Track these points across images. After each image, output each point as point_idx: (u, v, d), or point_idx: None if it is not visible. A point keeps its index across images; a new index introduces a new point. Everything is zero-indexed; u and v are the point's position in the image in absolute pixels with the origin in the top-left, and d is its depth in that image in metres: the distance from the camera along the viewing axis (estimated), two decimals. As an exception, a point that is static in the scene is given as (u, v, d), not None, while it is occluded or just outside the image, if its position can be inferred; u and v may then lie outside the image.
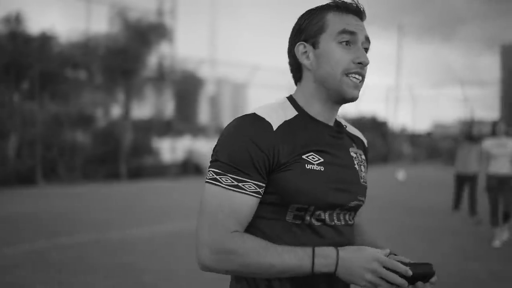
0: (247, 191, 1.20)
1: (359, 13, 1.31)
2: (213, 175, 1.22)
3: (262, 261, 1.16)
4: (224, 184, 1.20)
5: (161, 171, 18.02)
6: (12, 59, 15.11)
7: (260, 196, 1.22)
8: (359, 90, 1.31)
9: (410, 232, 7.61)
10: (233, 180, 1.20)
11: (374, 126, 27.92)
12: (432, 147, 31.61)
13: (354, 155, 1.41)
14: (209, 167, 1.25)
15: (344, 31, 1.26)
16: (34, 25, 18.86)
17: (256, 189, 1.21)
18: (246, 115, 1.26)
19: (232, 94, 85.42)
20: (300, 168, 1.22)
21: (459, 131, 8.13)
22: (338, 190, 1.28)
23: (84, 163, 16.38)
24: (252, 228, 1.25)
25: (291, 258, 1.16)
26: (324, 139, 1.30)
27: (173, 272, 5.17)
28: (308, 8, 1.34)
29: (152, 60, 19.32)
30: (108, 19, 18.04)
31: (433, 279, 1.19)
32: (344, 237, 1.31)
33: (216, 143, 1.27)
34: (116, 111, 19.45)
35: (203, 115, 61.53)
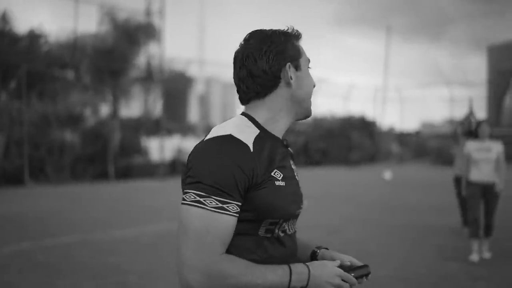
0: (230, 212, 1.25)
1: None
2: (195, 197, 1.24)
3: (249, 281, 1.24)
4: (209, 207, 1.23)
5: (150, 170, 18.05)
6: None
7: (238, 215, 1.28)
8: None
9: (393, 231, 7.74)
10: (217, 202, 1.23)
11: (362, 126, 28.11)
12: (420, 146, 31.85)
13: (294, 166, 1.50)
14: (188, 189, 1.26)
15: (309, 60, 1.46)
16: (22, 24, 18.77)
17: (237, 209, 1.26)
18: (223, 136, 1.30)
19: (222, 93, 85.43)
20: (271, 186, 1.31)
21: (454, 127, 7.01)
22: (294, 201, 1.40)
23: (72, 163, 16.38)
24: None
25: (272, 277, 1.26)
26: (280, 154, 1.39)
27: (158, 273, 5.25)
28: (273, 29, 1.43)
29: (140, 60, 19.35)
30: (96, 19, 18.04)
31: (369, 276, 1.49)
32: (295, 244, 1.46)
33: (192, 164, 1.29)
34: (104, 110, 19.45)
35: (193, 114, 61.54)
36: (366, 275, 1.46)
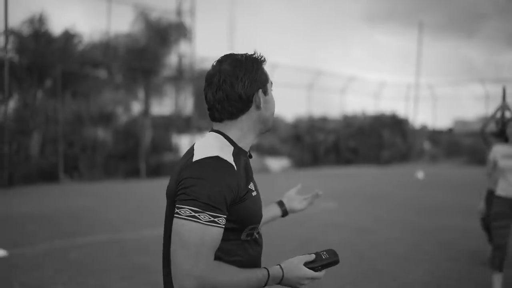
0: (220, 224, 1.43)
1: None
2: (190, 212, 1.41)
3: (236, 286, 1.45)
4: (203, 221, 1.40)
5: (180, 168, 18.16)
6: (35, 59, 15.46)
7: (224, 226, 1.47)
8: None
9: (424, 234, 7.61)
10: (210, 217, 1.41)
11: (393, 124, 27.67)
12: (453, 144, 31.17)
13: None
14: (184, 204, 1.42)
15: (271, 83, 1.66)
16: (57, 24, 19.20)
17: (224, 221, 1.45)
18: (211, 158, 1.47)
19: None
20: (250, 197, 1.54)
21: (482, 125, 4.83)
22: (261, 205, 1.66)
23: (105, 160, 16.68)
24: None
25: (254, 280, 1.48)
26: (250, 167, 1.62)
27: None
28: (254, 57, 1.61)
29: (171, 59, 19.54)
30: (129, 18, 18.30)
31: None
32: (262, 240, 1.71)
33: (187, 182, 1.44)
34: (136, 108, 19.73)
35: (223, 111, 61.69)
36: (335, 263, 1.63)
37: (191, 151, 1.54)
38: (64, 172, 15.46)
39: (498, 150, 4.68)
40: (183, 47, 19.50)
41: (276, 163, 22.68)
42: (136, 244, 6.68)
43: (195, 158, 1.48)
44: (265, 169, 21.38)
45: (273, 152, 24.12)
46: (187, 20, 19.16)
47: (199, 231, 1.39)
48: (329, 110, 26.26)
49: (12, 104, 15.49)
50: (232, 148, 1.55)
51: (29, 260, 5.77)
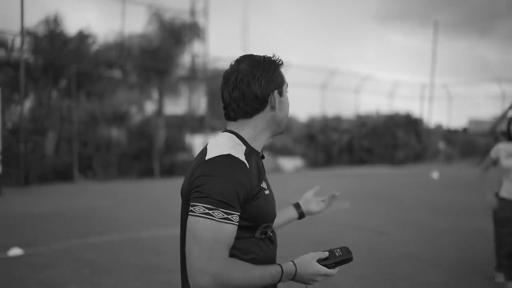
0: (234, 221, 1.45)
1: None
2: (204, 210, 1.42)
3: (250, 282, 1.46)
4: (217, 218, 1.42)
5: (194, 168, 18.19)
6: (50, 60, 15.59)
7: (238, 223, 1.48)
8: None
9: (440, 235, 7.52)
10: (223, 214, 1.43)
11: (408, 124, 27.44)
12: (468, 144, 30.82)
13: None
14: (198, 202, 1.44)
15: (287, 85, 1.68)
16: (71, 24, 19.33)
17: (238, 218, 1.47)
18: (224, 156, 1.49)
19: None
20: (263, 195, 1.55)
21: (493, 124, 4.24)
22: (275, 204, 1.67)
23: (119, 160, 16.77)
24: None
25: (267, 277, 1.50)
26: (262, 167, 1.63)
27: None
28: (271, 59, 1.64)
29: (185, 59, 19.58)
30: (143, 19, 18.38)
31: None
32: (276, 238, 1.72)
33: (199, 180, 1.46)
34: (150, 108, 19.81)
35: (236, 111, 61.73)
36: (349, 261, 1.64)
37: (204, 151, 1.57)
38: (78, 172, 15.58)
39: (501, 148, 4.34)
40: (196, 47, 19.55)
41: (290, 163, 22.62)
42: (150, 244, 6.69)
43: (207, 157, 1.51)
44: (278, 169, 21.33)
45: (287, 152, 24.07)
46: (200, 20, 19.21)
47: (213, 228, 1.41)
48: (343, 110, 26.11)
49: (27, 104, 15.63)
50: (244, 147, 1.57)
51: (45, 259, 5.80)
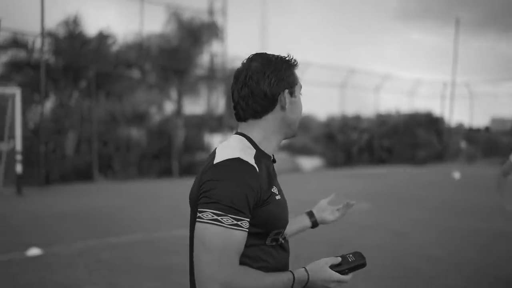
0: (243, 227, 1.39)
1: None
2: (213, 216, 1.37)
3: None
4: (226, 224, 1.36)
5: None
6: (70, 60, 15.74)
7: (248, 229, 1.42)
8: None
9: (461, 236, 7.36)
10: (233, 220, 1.37)
11: (428, 123, 27.06)
12: (490, 143, 30.27)
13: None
14: (206, 208, 1.38)
15: (301, 87, 1.62)
16: (91, 26, 19.51)
17: (248, 224, 1.41)
18: (233, 160, 1.43)
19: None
20: (274, 201, 1.49)
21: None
22: (287, 210, 1.61)
23: (138, 159, 16.87)
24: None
25: (279, 284, 1.45)
26: (273, 171, 1.57)
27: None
28: (287, 57, 1.59)
29: (203, 59, 19.61)
30: (161, 19, 18.46)
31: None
32: (289, 246, 1.66)
33: (208, 185, 1.41)
34: (169, 107, 19.90)
35: (255, 110, 61.72)
36: (362, 266, 1.57)
37: (213, 154, 1.51)
38: (98, 171, 15.70)
39: None
40: (215, 46, 19.56)
41: (309, 163, 22.51)
42: (169, 244, 6.67)
43: (215, 161, 1.45)
44: (297, 169, 21.23)
45: (305, 151, 23.96)
46: (219, 20, 19.22)
47: (222, 235, 1.36)
48: (363, 109, 25.87)
49: (48, 104, 15.82)
50: (254, 151, 1.52)
51: (63, 260, 5.82)
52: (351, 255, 1.57)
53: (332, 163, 22.90)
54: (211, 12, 19.00)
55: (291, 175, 18.00)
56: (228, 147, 1.51)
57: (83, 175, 15.42)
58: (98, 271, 5.40)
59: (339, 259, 1.54)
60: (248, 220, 1.41)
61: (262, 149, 1.55)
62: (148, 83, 18.85)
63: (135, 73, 18.67)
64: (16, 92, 12.15)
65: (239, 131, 1.59)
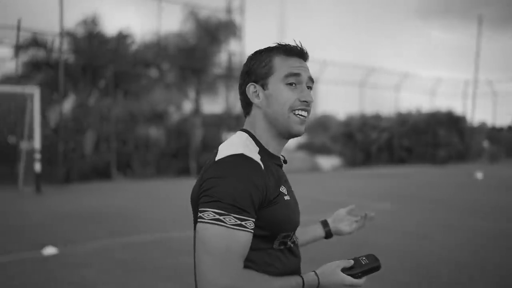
0: (248, 228, 1.29)
1: (302, 55, 1.45)
2: (214, 215, 1.27)
3: None
4: (228, 224, 1.26)
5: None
6: (89, 60, 15.83)
7: (253, 231, 1.33)
8: (305, 125, 1.45)
9: (486, 238, 7.14)
10: (236, 220, 1.27)
11: (450, 122, 26.61)
12: (514, 143, 29.66)
13: (287, 178, 1.55)
14: (207, 207, 1.28)
15: (290, 74, 1.41)
16: (109, 25, 19.62)
17: (253, 225, 1.30)
18: (236, 156, 1.33)
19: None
20: (282, 201, 1.38)
21: None
22: (298, 213, 1.50)
23: (157, 158, 16.91)
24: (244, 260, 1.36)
25: None
26: (280, 171, 1.47)
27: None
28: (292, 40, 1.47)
29: (221, 58, 19.55)
30: (179, 17, 18.45)
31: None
32: (299, 251, 1.54)
33: (209, 183, 1.31)
34: (187, 107, 19.90)
35: (274, 109, 61.66)
36: (376, 270, 1.47)
37: (215, 152, 1.41)
38: (117, 170, 15.76)
39: None
40: (233, 45, 19.48)
41: (327, 162, 22.32)
42: (183, 245, 6.60)
43: (217, 157, 1.36)
44: (315, 168, 21.06)
45: (324, 150, 23.77)
46: (236, 18, 19.12)
47: (225, 236, 1.26)
48: (382, 108, 25.56)
49: (67, 104, 15.93)
50: (256, 148, 1.42)
51: (78, 259, 5.79)
52: (364, 258, 1.46)
53: (351, 162, 22.66)
54: (229, 10, 18.92)
55: (309, 175, 17.85)
56: (231, 144, 1.41)
57: (102, 174, 15.51)
58: (113, 271, 5.35)
59: (352, 262, 1.43)
60: (253, 220, 1.30)
61: (265, 146, 1.45)
62: (165, 82, 18.88)
63: (153, 72, 18.71)
64: (34, 91, 12.24)
65: (244, 127, 1.52)
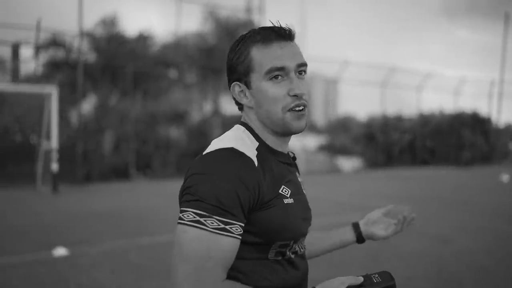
0: (233, 233, 1.12)
1: (283, 37, 1.23)
2: (194, 217, 1.11)
3: None
4: (210, 228, 1.10)
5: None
6: (108, 60, 15.87)
7: (241, 237, 1.15)
8: (304, 119, 1.26)
9: (510, 244, 6.84)
10: (219, 223, 1.10)
11: (474, 123, 26.02)
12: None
13: (300, 180, 1.39)
14: (188, 207, 1.12)
15: (271, 70, 1.21)
16: (128, 25, 19.71)
17: (240, 230, 1.13)
18: (224, 150, 1.17)
19: (324, 89, 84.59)
20: (281, 205, 1.20)
21: None
22: (304, 219, 1.30)
23: (177, 159, 16.87)
24: (231, 270, 1.17)
25: None
26: (285, 169, 1.28)
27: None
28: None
29: (241, 58, 19.52)
30: (199, 17, 18.42)
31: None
32: (306, 263, 1.35)
33: (191, 180, 1.15)
34: (208, 107, 19.85)
35: (295, 110, 61.40)
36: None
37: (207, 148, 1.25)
38: (136, 170, 15.76)
39: None
40: (252, 45, 19.40)
41: (348, 163, 22.03)
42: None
43: (205, 151, 1.21)
44: (336, 169, 20.80)
45: (345, 151, 23.46)
46: (256, 18, 18.99)
47: (204, 241, 1.09)
48: (404, 108, 25.12)
49: (87, 104, 16.00)
50: (255, 143, 1.25)
51: (89, 260, 5.69)
52: (377, 275, 1.23)
53: (372, 164, 22.31)
54: (248, 10, 18.82)
55: (330, 176, 17.63)
56: (223, 137, 1.25)
57: (121, 174, 15.52)
58: (123, 273, 5.23)
59: (361, 279, 1.21)
60: (241, 224, 1.13)
61: (265, 140, 1.28)
62: (184, 83, 18.85)
63: (172, 73, 18.69)
64: (52, 91, 12.25)
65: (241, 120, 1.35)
